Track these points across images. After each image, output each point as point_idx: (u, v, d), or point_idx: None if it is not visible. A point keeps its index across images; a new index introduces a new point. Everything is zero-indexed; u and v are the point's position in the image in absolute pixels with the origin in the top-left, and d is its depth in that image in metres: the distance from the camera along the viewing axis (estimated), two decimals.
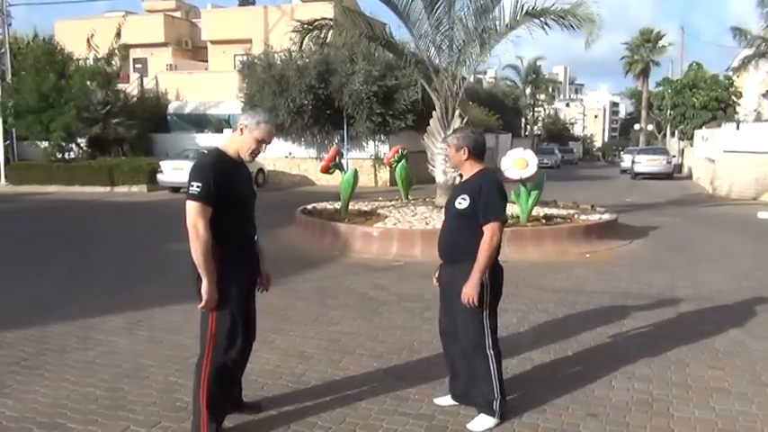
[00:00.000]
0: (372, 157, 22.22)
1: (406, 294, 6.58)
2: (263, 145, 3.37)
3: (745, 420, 3.70)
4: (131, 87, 27.94)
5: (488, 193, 3.49)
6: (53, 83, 21.39)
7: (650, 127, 51.50)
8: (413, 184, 12.88)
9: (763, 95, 30.42)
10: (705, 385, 4.20)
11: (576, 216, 10.62)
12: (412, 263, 8.21)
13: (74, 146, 22.96)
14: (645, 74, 50.42)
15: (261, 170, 21.04)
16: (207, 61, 32.22)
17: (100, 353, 4.78)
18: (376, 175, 22.39)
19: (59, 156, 22.24)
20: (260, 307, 3.64)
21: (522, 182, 9.56)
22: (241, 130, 3.33)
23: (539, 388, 4.10)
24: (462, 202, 3.55)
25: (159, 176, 19.15)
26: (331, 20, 11.47)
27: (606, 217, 10.67)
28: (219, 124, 25.23)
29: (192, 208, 3.15)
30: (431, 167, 11.34)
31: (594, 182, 25.82)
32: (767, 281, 7.36)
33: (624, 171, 32.10)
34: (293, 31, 11.20)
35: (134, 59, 33.15)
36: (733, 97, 31.55)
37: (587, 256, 8.86)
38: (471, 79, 23.97)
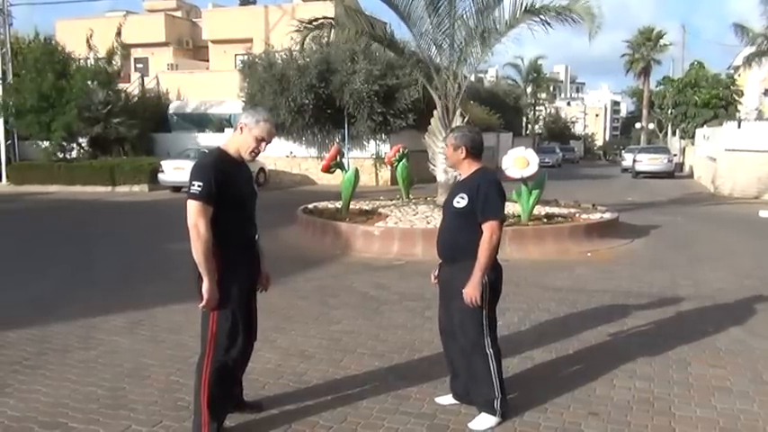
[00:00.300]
0: (373, 157, 22.21)
1: (408, 293, 6.58)
2: (264, 144, 3.36)
3: (746, 419, 3.70)
4: (132, 87, 27.96)
5: (487, 192, 3.49)
6: (54, 83, 21.42)
7: (651, 126, 51.44)
8: (414, 184, 12.88)
9: (765, 94, 30.38)
10: (707, 384, 4.20)
11: (577, 215, 10.61)
12: (413, 262, 8.20)
13: (75, 146, 22.98)
14: (646, 72, 50.36)
15: (262, 169, 21.03)
16: (208, 61, 32.26)
17: (101, 352, 4.78)
18: (377, 175, 22.39)
19: (60, 155, 22.27)
20: (261, 306, 3.64)
21: (524, 181, 9.55)
22: (241, 129, 3.33)
23: (540, 387, 4.10)
24: (461, 201, 3.55)
25: (160, 176, 19.15)
26: (332, 19, 11.46)
27: (607, 216, 10.66)
28: (220, 124, 25.23)
29: (193, 207, 3.15)
30: (432, 166, 11.35)
31: (595, 181, 25.80)
32: None
33: (625, 170, 32.07)
34: (295, 31, 11.20)
35: (135, 59, 33.18)
36: (734, 95, 31.50)
37: (588, 255, 8.86)
38: (472, 78, 23.98)
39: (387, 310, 5.97)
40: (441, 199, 10.81)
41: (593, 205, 11.86)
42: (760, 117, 25.80)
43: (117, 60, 23.84)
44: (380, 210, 10.92)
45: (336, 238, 9.45)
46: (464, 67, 11.21)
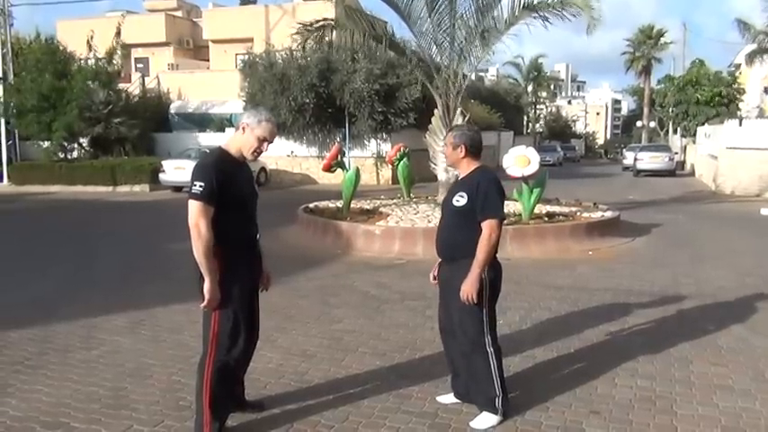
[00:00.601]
0: (374, 156, 22.22)
1: (409, 292, 6.58)
2: (266, 144, 3.37)
3: (748, 417, 3.70)
4: (133, 87, 27.96)
5: (486, 191, 3.48)
6: (55, 83, 21.42)
7: (652, 124, 51.37)
8: (415, 183, 12.88)
9: (766, 91, 30.34)
10: (708, 382, 4.20)
11: (578, 214, 10.61)
12: (414, 261, 8.20)
13: (76, 146, 23.00)
14: (647, 71, 50.28)
15: (263, 169, 21.03)
16: (208, 60, 32.26)
17: (103, 352, 4.78)
18: (378, 174, 22.40)
19: (61, 156, 22.30)
20: (262, 306, 3.64)
21: (525, 180, 9.54)
22: (243, 129, 3.33)
23: (541, 385, 4.09)
24: (460, 200, 3.55)
25: (161, 176, 19.16)
26: (332, 20, 11.46)
27: (608, 214, 10.66)
28: (221, 123, 25.24)
29: (195, 207, 3.15)
30: (433, 165, 11.35)
31: (597, 179, 25.78)
32: None
33: (626, 168, 32.04)
34: (296, 34, 11.21)
35: (135, 59, 33.20)
36: (736, 93, 31.47)
37: (590, 253, 8.85)
38: (473, 77, 23.99)
39: (388, 310, 5.97)
40: (442, 198, 10.79)
41: (595, 204, 11.85)
42: (761, 115, 25.79)
43: (117, 60, 23.84)
44: (381, 209, 10.93)
45: (337, 238, 9.45)
46: (464, 65, 11.22)
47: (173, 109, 27.12)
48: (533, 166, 9.47)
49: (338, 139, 21.55)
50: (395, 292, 6.67)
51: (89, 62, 22.95)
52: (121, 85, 25.26)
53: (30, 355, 4.70)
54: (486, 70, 68.72)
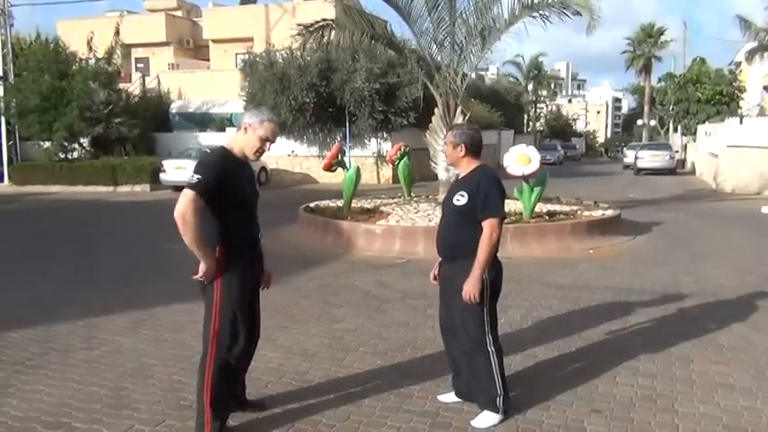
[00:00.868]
0: (375, 155, 22.21)
1: (410, 291, 6.58)
2: (268, 143, 3.37)
3: (749, 415, 3.70)
4: (133, 87, 27.96)
5: (487, 190, 3.48)
6: (55, 83, 21.43)
7: (653, 122, 51.35)
8: (415, 182, 12.87)
9: (765, 89, 30.31)
10: (709, 381, 4.20)
11: (578, 212, 10.60)
12: (415, 260, 8.20)
13: (76, 146, 22.99)
14: (647, 69, 50.24)
15: (263, 168, 21.03)
16: (209, 60, 32.26)
17: (104, 352, 4.79)
18: (378, 173, 22.39)
19: (62, 156, 22.27)
20: (263, 305, 3.64)
21: (525, 178, 9.54)
22: (245, 129, 3.33)
23: (542, 384, 4.09)
24: (461, 199, 3.54)
25: (162, 176, 19.16)
26: (332, 20, 11.46)
27: (609, 213, 10.65)
28: (222, 123, 25.25)
29: (186, 195, 3.14)
30: (433, 164, 11.34)
31: (597, 178, 25.78)
32: None
33: (627, 167, 32.02)
34: (297, 35, 11.21)
35: (136, 59, 33.21)
36: (737, 91, 31.44)
37: (590, 252, 8.85)
38: (473, 76, 23.98)
39: (389, 309, 5.97)
40: (442, 197, 10.78)
41: (595, 202, 11.85)
42: (762, 113, 25.78)
43: (116, 60, 23.84)
44: (382, 208, 10.92)
45: (338, 237, 9.45)
46: (465, 64, 11.22)
47: (173, 109, 27.13)
48: (534, 165, 9.47)
49: (339, 138, 21.54)
50: (396, 291, 6.67)
51: (89, 62, 22.95)
52: (122, 85, 25.26)
53: (31, 356, 4.70)
54: (487, 69, 68.78)
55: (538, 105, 59.58)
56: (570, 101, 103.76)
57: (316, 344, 4.93)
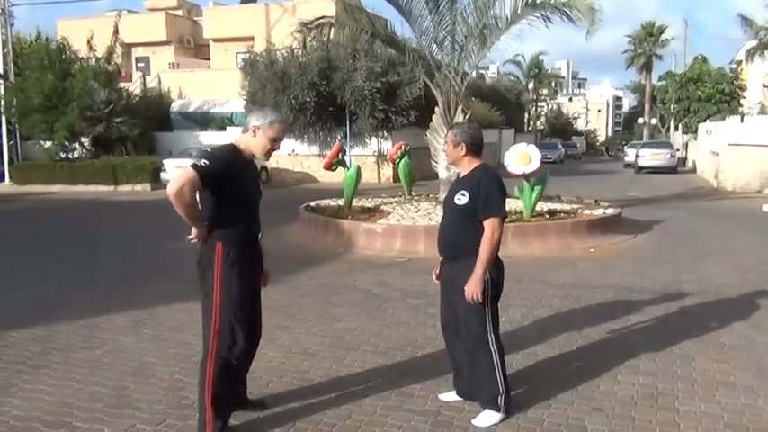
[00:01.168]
0: (375, 154, 22.22)
1: (410, 291, 6.58)
2: (278, 143, 3.39)
3: (751, 414, 3.69)
4: (134, 86, 27.98)
5: (488, 189, 3.48)
6: (58, 82, 21.44)
7: (654, 121, 51.32)
8: (416, 181, 12.87)
9: (766, 87, 30.30)
10: (711, 379, 4.19)
11: (579, 211, 10.59)
12: (416, 259, 8.20)
13: (77, 145, 23.02)
14: (648, 68, 50.22)
15: (264, 168, 21.02)
16: (209, 59, 32.26)
17: (105, 351, 4.79)
18: (379, 172, 22.39)
19: (63, 155, 22.31)
20: (264, 304, 3.64)
21: (526, 177, 9.54)
22: (254, 131, 3.33)
23: (543, 383, 4.09)
24: (462, 198, 3.54)
25: (163, 175, 19.18)
26: (332, 18, 11.45)
27: (610, 211, 10.64)
28: (222, 122, 25.26)
29: (187, 173, 3.13)
30: (434, 163, 11.34)
31: (598, 176, 25.76)
32: None
33: (628, 165, 31.99)
34: (297, 32, 11.20)
35: (136, 58, 33.22)
36: (738, 90, 31.41)
37: (591, 250, 8.84)
38: (473, 75, 23.94)
39: (389, 308, 5.97)
40: (443, 196, 10.77)
41: (596, 201, 11.84)
42: (763, 111, 25.75)
43: (116, 59, 23.84)
44: (383, 207, 10.92)
45: (338, 236, 9.45)
46: (465, 63, 11.20)
47: (174, 108, 27.14)
48: (535, 164, 9.46)
49: (339, 137, 21.55)
50: (396, 290, 6.67)
51: (90, 62, 22.96)
52: (122, 85, 25.28)
53: (32, 355, 4.71)
54: (487, 68, 68.74)
55: (538, 104, 59.59)
56: (571, 99, 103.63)
57: (316, 343, 4.93)
